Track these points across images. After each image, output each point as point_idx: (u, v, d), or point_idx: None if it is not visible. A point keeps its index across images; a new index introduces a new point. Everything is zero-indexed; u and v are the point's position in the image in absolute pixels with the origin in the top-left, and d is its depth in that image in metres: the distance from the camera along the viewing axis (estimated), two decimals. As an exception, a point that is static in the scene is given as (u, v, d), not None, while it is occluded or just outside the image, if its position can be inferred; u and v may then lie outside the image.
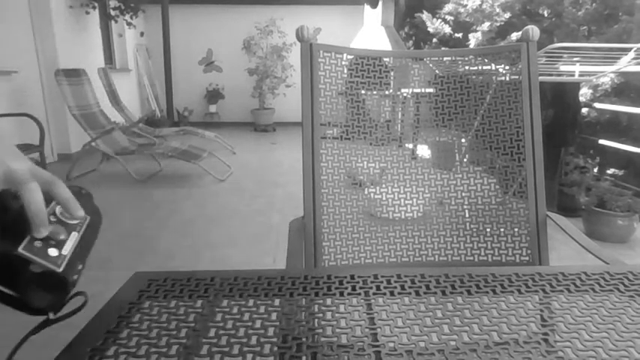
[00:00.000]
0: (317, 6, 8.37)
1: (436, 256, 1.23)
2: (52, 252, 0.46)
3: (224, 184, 4.31)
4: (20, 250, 0.44)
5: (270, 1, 8.14)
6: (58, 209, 0.49)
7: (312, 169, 1.18)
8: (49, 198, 0.48)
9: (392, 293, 0.58)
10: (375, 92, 1.27)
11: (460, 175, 1.27)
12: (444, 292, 0.57)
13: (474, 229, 1.24)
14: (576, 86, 3.46)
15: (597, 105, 3.94)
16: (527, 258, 1.20)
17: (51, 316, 0.48)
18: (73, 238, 0.49)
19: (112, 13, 6.18)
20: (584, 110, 4.04)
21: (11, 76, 4.45)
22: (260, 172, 4.88)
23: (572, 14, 4.35)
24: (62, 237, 0.48)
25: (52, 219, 0.48)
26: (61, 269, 0.45)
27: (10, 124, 4.14)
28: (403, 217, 1.25)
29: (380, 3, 6.91)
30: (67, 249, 0.48)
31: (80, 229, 0.51)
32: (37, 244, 0.46)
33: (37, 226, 0.46)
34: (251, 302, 0.54)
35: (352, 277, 0.61)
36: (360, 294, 0.57)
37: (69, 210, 0.49)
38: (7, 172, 0.47)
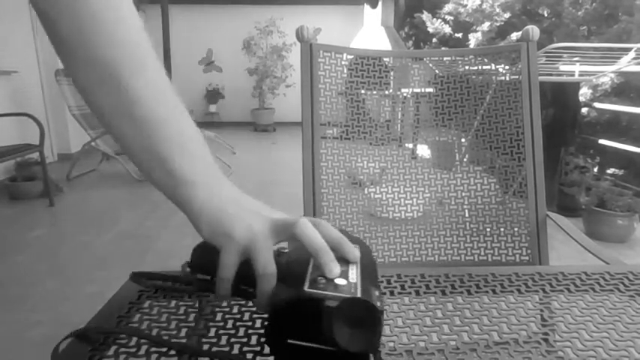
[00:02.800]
0: (317, 6, 8.37)
1: (436, 256, 1.23)
2: (340, 281, 0.40)
3: (224, 184, 4.31)
4: (306, 288, 0.39)
5: (270, 1, 8.14)
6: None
7: (312, 169, 1.18)
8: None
9: (392, 293, 0.58)
10: (374, 92, 1.27)
11: (460, 175, 1.27)
12: (443, 292, 0.57)
13: (474, 229, 1.24)
14: (576, 86, 3.46)
15: (597, 105, 3.94)
16: (527, 258, 1.20)
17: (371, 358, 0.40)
18: (354, 268, 0.43)
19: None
20: (584, 110, 4.04)
21: (11, 76, 4.45)
22: (260, 172, 4.88)
23: (572, 14, 4.35)
24: (343, 268, 0.42)
25: None
26: (358, 295, 0.38)
27: (10, 124, 4.14)
28: (403, 216, 1.25)
29: (380, 3, 6.91)
30: (354, 277, 0.41)
31: (356, 260, 0.45)
32: (321, 279, 0.40)
33: (326, 263, 0.41)
34: (252, 302, 0.54)
35: (352, 277, 0.61)
36: (360, 294, 0.57)
37: (344, 251, 0.44)
38: (274, 220, 0.46)
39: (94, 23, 0.44)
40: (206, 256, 0.46)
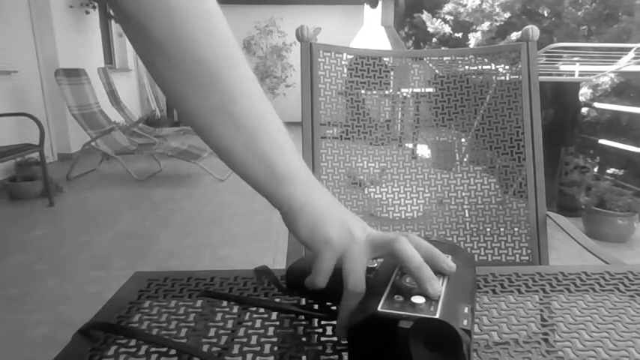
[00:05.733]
0: (317, 6, 8.37)
1: (436, 256, 1.23)
2: (418, 299, 0.37)
3: (224, 183, 4.31)
4: (380, 309, 0.37)
5: (270, 1, 8.14)
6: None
7: (312, 169, 1.18)
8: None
9: (392, 293, 0.57)
10: (374, 92, 1.27)
11: (460, 175, 1.27)
12: (444, 292, 0.57)
13: (474, 229, 1.24)
14: (576, 86, 3.46)
15: (597, 105, 3.94)
16: (527, 258, 1.20)
17: None
18: (440, 281, 0.40)
19: (112, 12, 6.18)
20: (584, 110, 4.04)
21: (11, 76, 4.45)
22: (260, 172, 4.88)
23: (572, 14, 4.35)
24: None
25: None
26: (436, 315, 0.36)
27: (10, 124, 4.14)
28: (403, 216, 1.25)
29: (380, 3, 6.91)
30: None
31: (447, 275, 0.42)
32: (398, 298, 0.38)
33: (427, 280, 0.38)
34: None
35: (352, 276, 0.61)
36: (360, 294, 0.57)
37: (438, 264, 0.42)
38: (372, 233, 0.44)
39: (186, 19, 0.42)
40: (302, 276, 0.45)
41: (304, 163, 0.48)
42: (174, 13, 0.41)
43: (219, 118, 0.44)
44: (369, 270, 0.44)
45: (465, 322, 0.36)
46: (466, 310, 0.37)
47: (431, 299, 0.38)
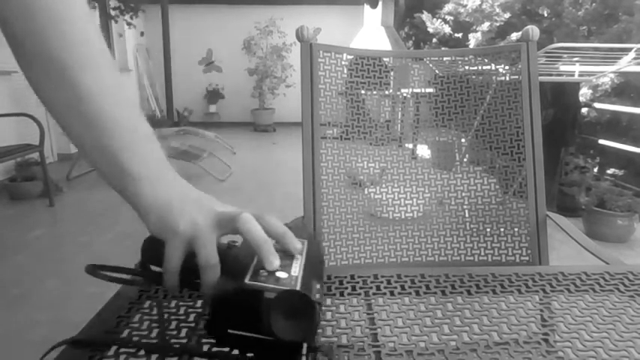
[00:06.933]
0: (317, 6, 8.37)
1: (436, 256, 1.23)
2: (281, 274, 0.42)
3: (224, 184, 4.31)
4: (247, 281, 0.41)
5: (270, 1, 8.14)
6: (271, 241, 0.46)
7: (312, 169, 1.18)
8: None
9: (392, 293, 0.58)
10: (375, 92, 1.27)
11: (460, 175, 1.27)
12: (444, 292, 0.57)
13: (474, 229, 1.24)
14: (576, 86, 3.46)
15: (597, 105, 3.94)
16: (527, 258, 1.20)
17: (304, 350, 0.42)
18: (298, 262, 0.45)
19: (112, 13, 6.18)
20: (584, 110, 4.04)
21: (11, 76, 4.45)
22: (260, 172, 4.88)
23: (572, 14, 4.35)
24: (286, 263, 0.44)
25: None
26: (297, 288, 0.41)
27: (10, 124, 4.14)
28: (403, 217, 1.25)
29: (380, 3, 6.91)
30: (296, 270, 0.44)
31: (302, 253, 0.47)
32: (263, 272, 0.42)
33: (266, 256, 0.43)
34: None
35: (352, 277, 0.61)
36: (360, 294, 0.57)
37: (286, 244, 0.47)
38: (218, 214, 0.47)
39: (47, 21, 0.45)
40: (155, 249, 0.47)
41: (162, 157, 0.51)
42: (35, 14, 0.44)
43: (71, 116, 0.47)
44: (229, 246, 0.48)
45: (318, 295, 0.42)
46: (318, 286, 0.43)
47: (291, 276, 0.42)
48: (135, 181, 0.48)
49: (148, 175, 0.48)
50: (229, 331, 0.41)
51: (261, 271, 0.42)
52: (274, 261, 0.43)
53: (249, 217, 0.45)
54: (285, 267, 0.44)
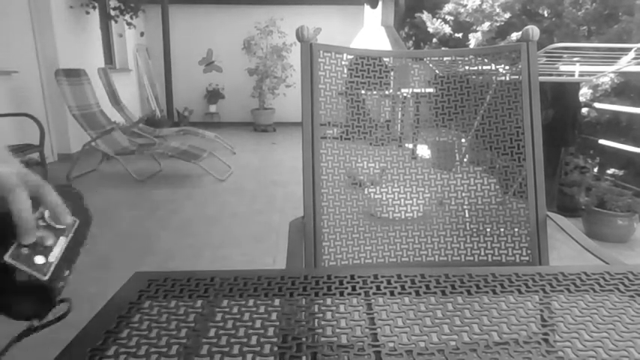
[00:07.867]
0: (317, 6, 8.37)
1: (436, 256, 1.23)
2: (39, 259, 0.46)
3: (224, 184, 4.31)
4: (7, 257, 0.44)
5: (270, 1, 8.14)
6: (46, 213, 0.48)
7: (312, 169, 1.18)
8: (37, 203, 0.48)
9: (392, 293, 0.57)
10: (375, 92, 1.27)
11: (460, 175, 1.27)
12: (444, 292, 0.57)
13: (474, 229, 1.24)
14: (576, 86, 3.46)
15: (597, 105, 3.94)
16: (527, 258, 1.20)
17: (35, 323, 0.48)
18: (61, 244, 0.49)
19: (112, 13, 6.18)
20: (584, 110, 4.04)
21: (11, 76, 4.45)
22: (260, 172, 4.88)
23: (572, 14, 4.35)
24: (50, 243, 0.47)
25: (41, 223, 0.48)
26: (46, 277, 0.45)
27: (10, 124, 4.14)
28: (403, 217, 1.25)
29: (380, 3, 6.91)
30: (54, 256, 0.47)
31: (69, 233, 0.50)
32: (24, 250, 0.45)
33: (23, 232, 0.45)
34: (251, 302, 0.54)
35: (352, 277, 0.61)
36: (360, 294, 0.57)
37: (57, 216, 0.49)
38: None
39: None
40: None
41: None
42: None
43: None
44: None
45: (62, 284, 0.47)
46: (66, 273, 0.48)
47: (48, 262, 0.46)
48: None
49: None
50: None
51: (23, 249, 0.45)
52: (29, 239, 0.45)
53: (22, 193, 0.45)
54: (47, 250, 0.47)
